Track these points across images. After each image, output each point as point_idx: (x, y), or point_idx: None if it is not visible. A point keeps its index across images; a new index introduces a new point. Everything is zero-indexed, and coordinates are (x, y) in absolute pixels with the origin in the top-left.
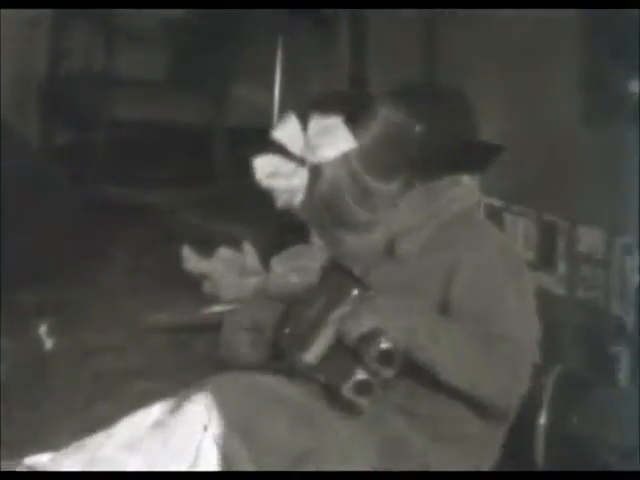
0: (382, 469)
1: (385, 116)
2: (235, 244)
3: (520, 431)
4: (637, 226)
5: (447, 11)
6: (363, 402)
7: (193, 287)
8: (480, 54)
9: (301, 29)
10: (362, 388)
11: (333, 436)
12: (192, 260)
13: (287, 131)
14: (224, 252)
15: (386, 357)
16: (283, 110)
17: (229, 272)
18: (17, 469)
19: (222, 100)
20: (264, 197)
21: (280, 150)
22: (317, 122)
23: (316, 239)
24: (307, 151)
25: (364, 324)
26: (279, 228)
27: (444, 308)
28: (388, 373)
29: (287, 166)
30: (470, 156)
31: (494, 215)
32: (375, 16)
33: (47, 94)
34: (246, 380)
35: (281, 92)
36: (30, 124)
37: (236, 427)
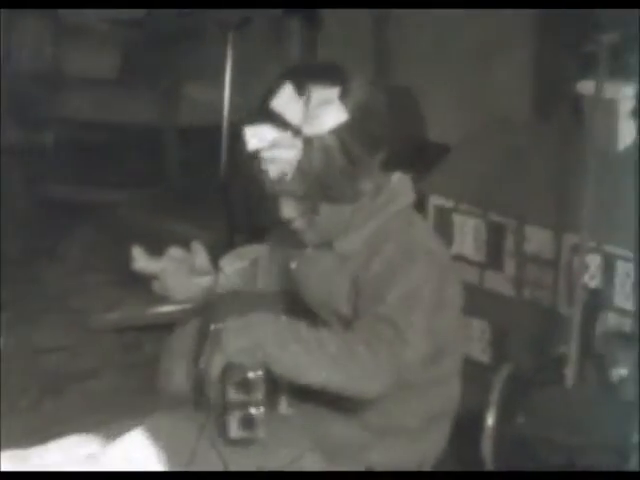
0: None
1: (367, 88)
2: (186, 244)
3: (468, 431)
4: (585, 226)
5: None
6: (252, 435)
7: (143, 287)
8: (430, 53)
9: (252, 27)
10: (245, 423)
11: None
12: (142, 260)
13: (285, 100)
14: (174, 252)
15: (245, 386)
16: (234, 109)
17: (178, 272)
18: None
19: (172, 99)
20: (214, 196)
21: (270, 119)
22: (319, 93)
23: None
24: (305, 122)
25: (215, 365)
26: (229, 228)
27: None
28: (256, 399)
29: (283, 136)
30: (416, 155)
31: (443, 215)
32: (327, 15)
33: None
34: (172, 423)
35: (231, 91)
36: None
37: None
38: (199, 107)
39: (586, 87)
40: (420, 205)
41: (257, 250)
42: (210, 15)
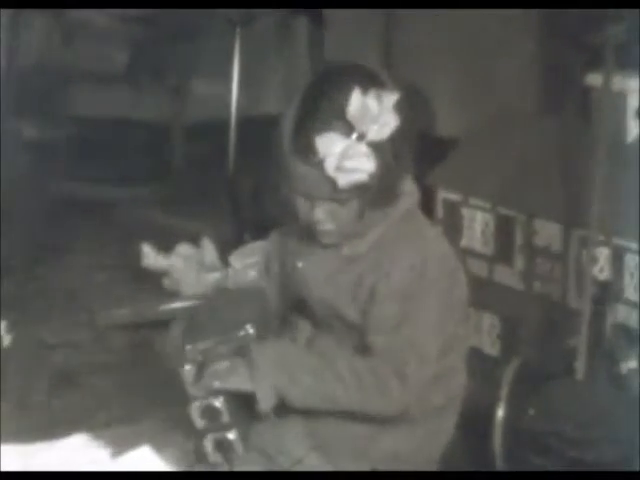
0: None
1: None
2: (194, 240)
3: (478, 424)
4: (594, 219)
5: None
6: (230, 457)
7: (153, 283)
8: (435, 47)
9: (259, 23)
10: (220, 447)
11: None
12: (151, 256)
13: (358, 107)
14: (183, 248)
15: (209, 413)
16: (241, 105)
17: (188, 268)
18: None
19: (180, 95)
20: (223, 192)
21: (339, 126)
22: (388, 98)
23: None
24: (372, 128)
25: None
26: (238, 224)
27: (367, 306)
28: (224, 423)
29: (352, 144)
30: (425, 150)
31: (452, 209)
32: (333, 12)
33: (3, 89)
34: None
35: (239, 87)
36: None
37: None
38: (207, 103)
39: (594, 80)
40: (429, 199)
41: (266, 246)
42: (217, 11)
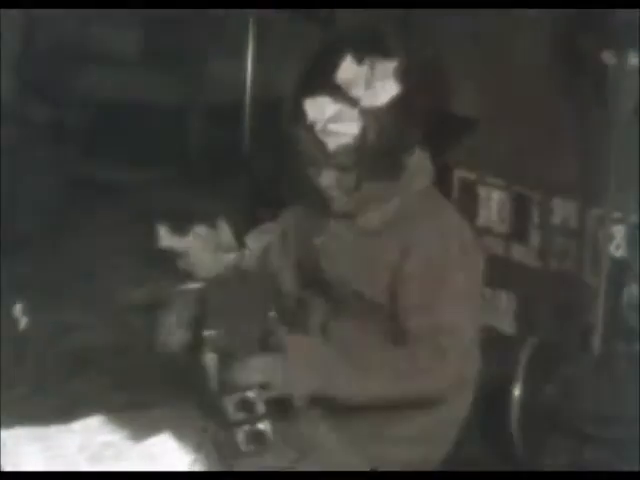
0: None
1: (410, 60)
2: (211, 221)
3: (495, 403)
4: (610, 197)
5: None
6: (262, 448)
7: (169, 265)
8: (454, 27)
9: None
10: (254, 438)
11: None
12: (167, 238)
13: (347, 73)
14: (199, 229)
15: (244, 404)
16: (256, 87)
17: (204, 249)
18: None
19: (195, 78)
20: (239, 173)
21: (330, 92)
22: (378, 65)
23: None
24: (365, 94)
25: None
26: (253, 204)
27: (394, 283)
28: (257, 415)
29: (343, 109)
30: (442, 129)
31: (468, 188)
32: None
33: (20, 72)
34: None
35: (254, 70)
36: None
37: None
38: (222, 86)
39: (609, 58)
40: (445, 178)
41: (281, 224)
42: None
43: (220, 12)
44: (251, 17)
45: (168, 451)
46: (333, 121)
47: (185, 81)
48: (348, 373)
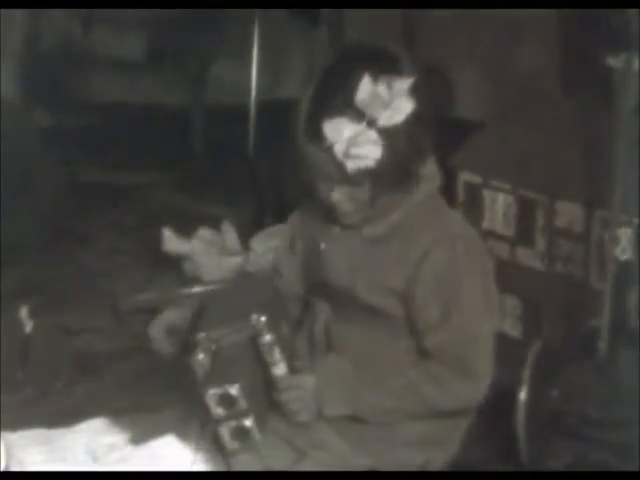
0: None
1: (419, 74)
2: (216, 224)
3: (501, 407)
4: (616, 200)
5: None
6: (247, 444)
7: (174, 268)
8: (458, 29)
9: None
10: (238, 434)
11: None
12: (172, 241)
13: (367, 93)
14: (204, 232)
15: (226, 400)
16: (261, 89)
17: (209, 252)
18: None
19: (200, 80)
20: (244, 176)
21: (348, 112)
22: (398, 84)
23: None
24: (382, 114)
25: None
26: (259, 208)
27: (406, 297)
28: (241, 410)
29: (362, 131)
30: (447, 132)
31: (473, 191)
32: None
33: (24, 75)
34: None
35: (259, 71)
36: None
37: None
38: (227, 87)
39: (616, 61)
40: (450, 182)
41: (290, 226)
42: None
43: (224, 13)
44: (256, 18)
45: (172, 453)
46: (354, 144)
47: (190, 83)
48: (377, 398)
